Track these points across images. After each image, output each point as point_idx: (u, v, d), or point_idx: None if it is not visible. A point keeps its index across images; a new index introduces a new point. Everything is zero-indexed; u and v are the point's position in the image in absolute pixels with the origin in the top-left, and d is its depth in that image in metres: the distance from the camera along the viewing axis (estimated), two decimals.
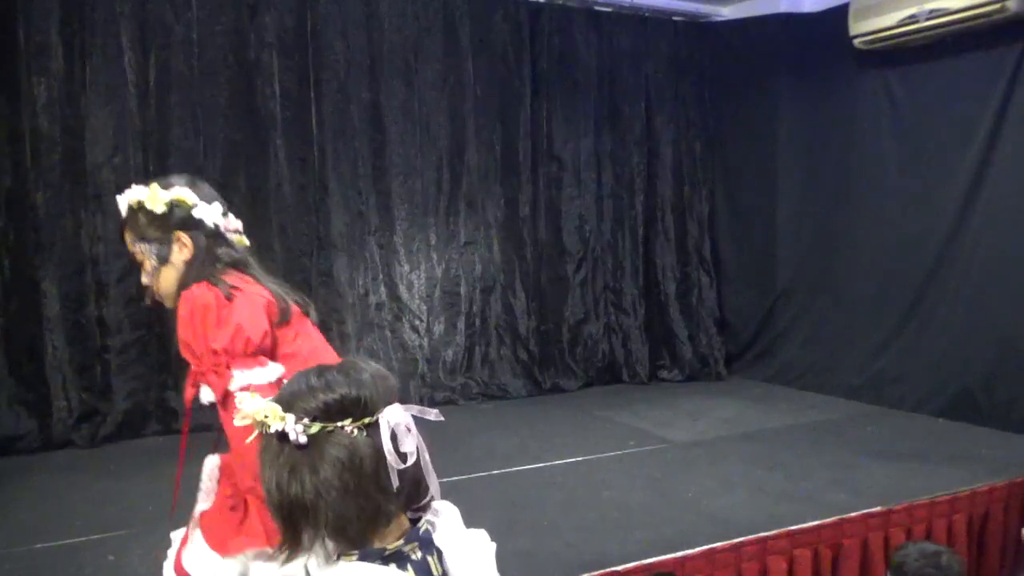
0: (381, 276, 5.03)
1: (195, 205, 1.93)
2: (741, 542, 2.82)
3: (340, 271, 4.94)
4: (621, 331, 5.76)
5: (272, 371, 1.82)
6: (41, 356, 4.17)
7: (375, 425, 1.15)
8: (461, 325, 5.27)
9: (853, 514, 3.05)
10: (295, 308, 1.98)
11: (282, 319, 1.91)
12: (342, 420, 1.15)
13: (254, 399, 1.21)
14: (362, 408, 1.16)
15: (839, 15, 5.01)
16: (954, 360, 4.60)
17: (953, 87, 4.66)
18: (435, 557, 1.25)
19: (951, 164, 4.66)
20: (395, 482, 1.15)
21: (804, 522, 2.98)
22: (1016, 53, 4.35)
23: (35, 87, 4.13)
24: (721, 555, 2.77)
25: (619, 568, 2.63)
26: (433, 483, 1.24)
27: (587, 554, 2.74)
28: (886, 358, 5.00)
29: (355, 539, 1.17)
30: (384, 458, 1.15)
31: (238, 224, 1.99)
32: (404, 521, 1.23)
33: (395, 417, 1.16)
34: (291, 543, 1.17)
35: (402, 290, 5.09)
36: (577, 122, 5.60)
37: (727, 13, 5.96)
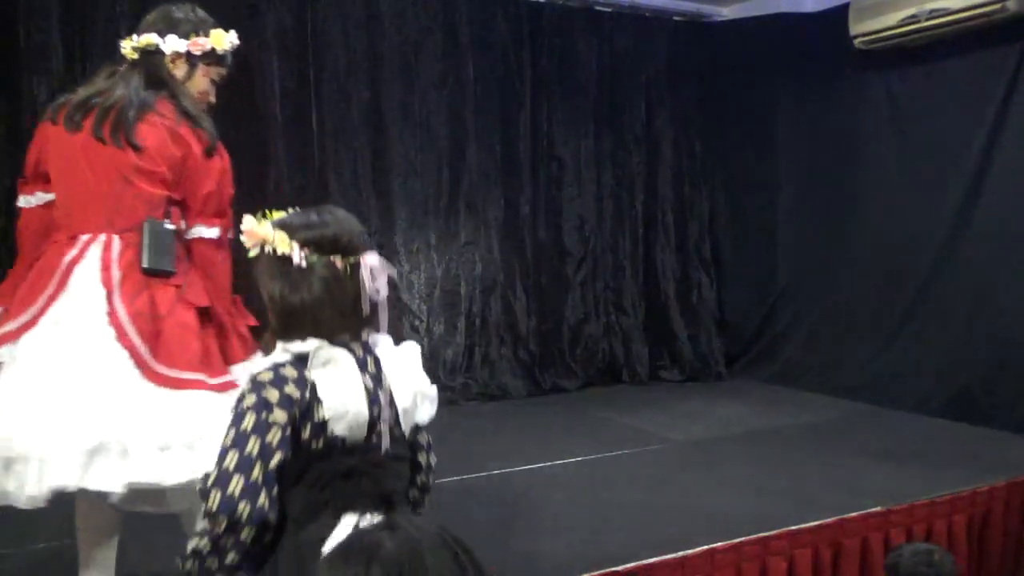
0: None
1: None
2: (741, 542, 2.82)
3: None
4: (621, 331, 5.76)
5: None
6: None
7: (357, 264, 1.61)
8: (461, 325, 5.27)
9: (853, 514, 3.05)
10: None
11: None
12: (333, 255, 1.61)
13: (262, 224, 1.66)
14: (349, 248, 1.62)
15: (839, 15, 5.01)
16: (954, 360, 4.60)
17: (953, 87, 4.66)
18: (373, 357, 1.70)
19: (951, 164, 4.66)
20: (366, 309, 1.63)
21: (804, 522, 2.98)
22: (1016, 53, 4.35)
23: (35, 87, 4.13)
24: (721, 555, 2.77)
25: (619, 568, 2.63)
26: (384, 318, 1.67)
27: (587, 554, 2.74)
28: (886, 358, 5.00)
29: (328, 337, 1.63)
30: (360, 288, 1.61)
31: None
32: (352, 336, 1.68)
33: (372, 261, 1.63)
34: (283, 338, 1.64)
35: (402, 290, 5.09)
36: (577, 122, 5.60)
37: (727, 13, 5.96)
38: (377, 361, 1.70)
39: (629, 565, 2.64)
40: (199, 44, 2.49)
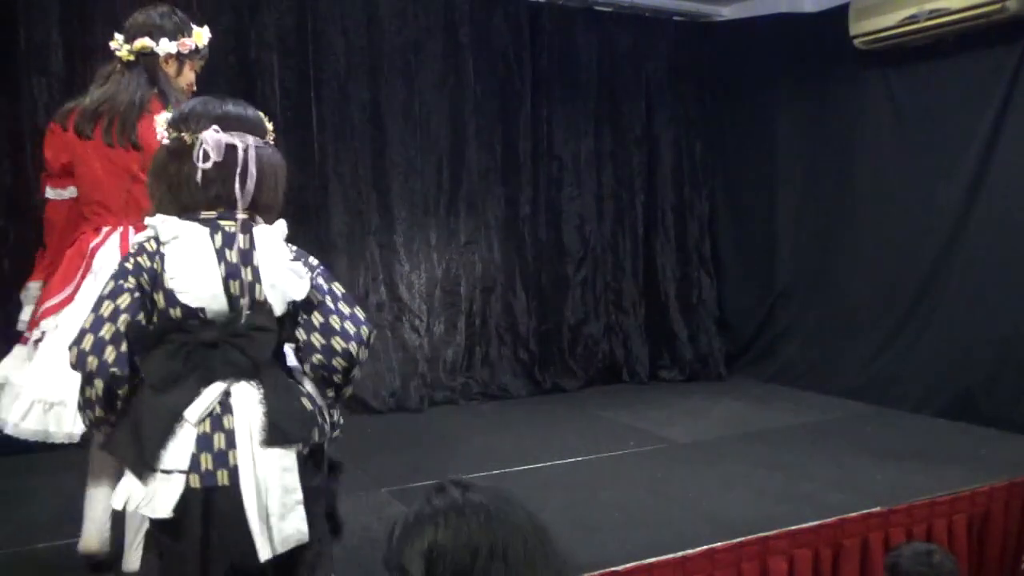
0: (381, 276, 5.03)
1: None
2: (741, 542, 2.82)
3: (340, 271, 4.93)
4: (621, 331, 5.76)
5: None
6: None
7: (196, 142, 1.81)
8: (461, 325, 5.27)
9: (853, 514, 3.05)
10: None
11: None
12: (183, 131, 1.83)
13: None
14: (196, 126, 1.82)
15: (839, 15, 5.01)
16: (954, 360, 4.60)
17: (953, 87, 4.66)
18: (246, 235, 1.83)
19: (951, 164, 4.66)
20: (198, 179, 1.81)
21: (804, 522, 2.98)
22: (1016, 53, 4.35)
23: (35, 87, 4.12)
24: (721, 555, 2.77)
25: (619, 568, 2.63)
26: (242, 194, 1.84)
27: (587, 554, 2.74)
28: (886, 358, 5.00)
29: (185, 209, 1.82)
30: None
31: None
32: (226, 211, 1.84)
33: (210, 136, 1.81)
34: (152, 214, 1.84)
35: (402, 290, 5.09)
36: (577, 122, 5.60)
37: (727, 13, 5.96)
38: (251, 239, 1.84)
39: (629, 565, 2.64)
40: (186, 44, 2.74)
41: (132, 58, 2.68)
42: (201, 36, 2.78)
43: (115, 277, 1.81)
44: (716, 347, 5.88)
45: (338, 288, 1.96)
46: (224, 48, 4.55)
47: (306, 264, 1.90)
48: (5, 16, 4.05)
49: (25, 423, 2.54)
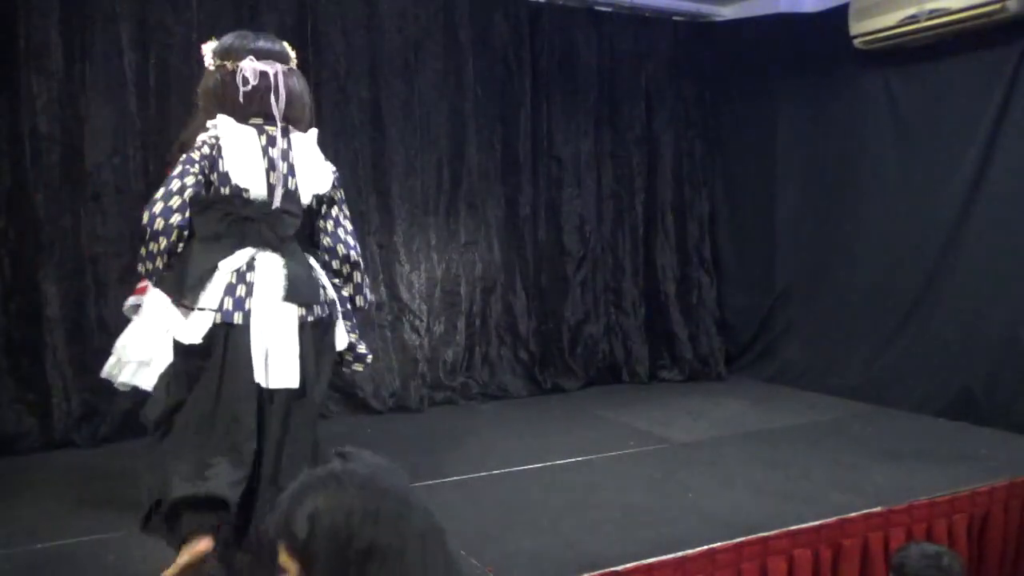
0: (381, 276, 5.03)
1: None
2: (741, 542, 2.83)
3: None
4: (621, 331, 5.76)
5: None
6: (41, 356, 4.16)
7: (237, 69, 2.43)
8: (461, 325, 5.27)
9: (853, 514, 3.06)
10: None
11: None
12: (225, 60, 2.43)
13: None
14: (237, 55, 2.44)
15: (839, 15, 5.01)
16: (954, 360, 4.60)
17: (953, 87, 4.66)
18: (287, 139, 2.46)
19: (951, 164, 4.66)
20: (241, 99, 2.43)
21: (804, 522, 2.98)
22: (1016, 53, 4.35)
23: (35, 87, 4.12)
24: (721, 555, 2.77)
25: (619, 568, 2.63)
26: (278, 108, 2.45)
27: (587, 554, 2.74)
28: (886, 358, 5.00)
29: (231, 113, 2.43)
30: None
31: None
32: (266, 121, 2.45)
33: (248, 65, 2.41)
34: (209, 117, 2.46)
35: (402, 290, 5.08)
36: (577, 122, 5.60)
37: (727, 13, 5.96)
38: (289, 141, 2.45)
39: (629, 565, 2.64)
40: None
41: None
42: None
43: (184, 163, 2.37)
44: (716, 347, 5.88)
45: (346, 208, 2.63)
46: None
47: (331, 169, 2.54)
48: (5, 16, 4.05)
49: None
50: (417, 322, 5.11)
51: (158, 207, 2.33)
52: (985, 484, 3.36)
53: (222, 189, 2.38)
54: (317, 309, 2.42)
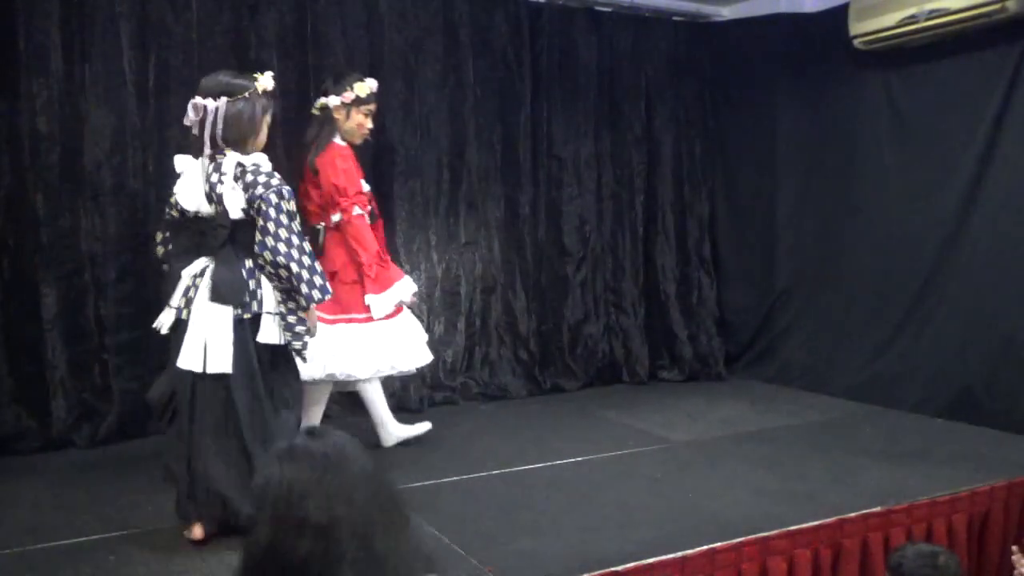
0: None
1: None
2: (741, 542, 2.83)
3: None
4: (621, 331, 5.76)
5: None
6: (41, 356, 4.16)
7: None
8: (461, 325, 5.27)
9: (853, 514, 3.06)
10: None
11: None
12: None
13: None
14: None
15: (839, 15, 5.01)
16: (954, 360, 4.60)
17: (953, 87, 4.66)
18: (215, 163, 2.94)
19: (951, 164, 4.66)
20: (193, 130, 3.00)
21: (804, 522, 2.98)
22: (1016, 53, 4.35)
23: (35, 87, 4.12)
24: (721, 555, 2.77)
25: (619, 568, 2.63)
26: (208, 138, 2.98)
27: (587, 554, 2.74)
28: (886, 358, 5.00)
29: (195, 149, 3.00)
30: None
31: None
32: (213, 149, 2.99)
33: (189, 103, 2.95)
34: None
35: None
36: (577, 122, 5.60)
37: (727, 13, 5.96)
38: (218, 166, 2.90)
39: (629, 565, 2.64)
40: (347, 97, 3.82)
41: (317, 112, 3.89)
42: (363, 88, 3.84)
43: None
44: (716, 347, 5.88)
45: (284, 211, 2.84)
46: (224, 48, 4.55)
47: (255, 184, 2.83)
48: (5, 16, 4.05)
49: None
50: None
51: (158, 237, 3.29)
52: (985, 484, 3.36)
53: (185, 213, 2.99)
54: (250, 308, 2.87)
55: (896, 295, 4.98)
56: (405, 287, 3.87)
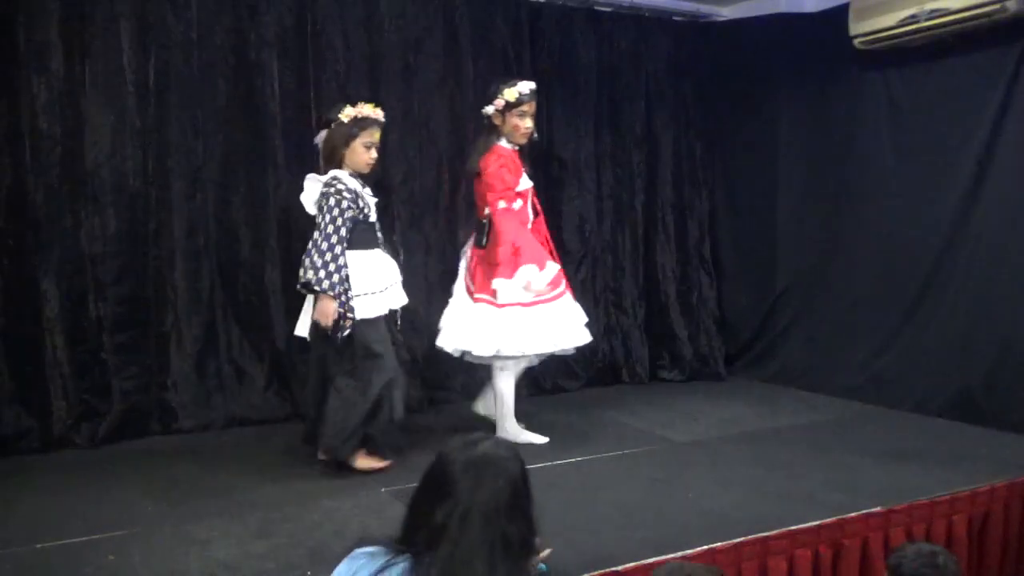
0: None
1: None
2: (741, 542, 2.82)
3: None
4: (621, 331, 5.76)
5: None
6: (41, 356, 4.16)
7: None
8: None
9: (853, 514, 3.06)
10: None
11: None
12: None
13: None
14: None
15: (839, 15, 5.01)
16: (954, 360, 4.60)
17: (953, 87, 4.66)
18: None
19: (951, 164, 4.66)
20: None
21: (804, 522, 2.98)
22: (1016, 53, 4.35)
23: (35, 87, 4.12)
24: (721, 555, 2.77)
25: (619, 568, 2.63)
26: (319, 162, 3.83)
27: (587, 554, 2.74)
28: (886, 358, 5.00)
29: None
30: None
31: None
32: None
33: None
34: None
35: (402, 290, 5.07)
36: (577, 122, 5.59)
37: (727, 13, 5.96)
38: (319, 181, 3.68)
39: (629, 565, 2.64)
40: (499, 103, 4.04)
41: (486, 121, 4.14)
42: (512, 93, 4.01)
43: None
44: (716, 347, 5.88)
45: (323, 228, 3.56)
46: (224, 48, 4.56)
47: (322, 199, 3.61)
48: (5, 16, 4.05)
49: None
50: (417, 322, 5.10)
51: None
52: (985, 484, 3.36)
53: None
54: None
55: (896, 295, 4.97)
56: (529, 274, 3.95)
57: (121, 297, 4.35)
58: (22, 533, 3.02)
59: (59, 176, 4.20)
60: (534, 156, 5.44)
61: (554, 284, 4.05)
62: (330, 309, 3.53)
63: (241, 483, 3.61)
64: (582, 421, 4.70)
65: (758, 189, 5.86)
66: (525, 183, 4.14)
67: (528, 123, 4.07)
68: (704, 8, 5.92)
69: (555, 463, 3.86)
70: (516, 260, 3.98)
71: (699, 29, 5.96)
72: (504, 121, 4.06)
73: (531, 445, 4.07)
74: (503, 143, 4.09)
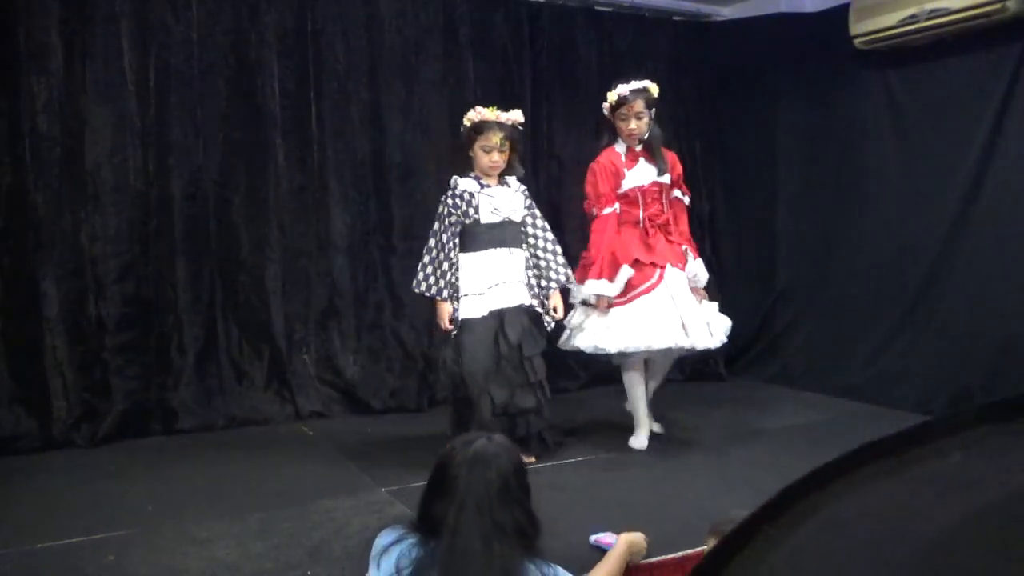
0: (381, 276, 5.03)
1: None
2: None
3: (340, 271, 4.93)
4: None
5: None
6: (41, 356, 4.16)
7: None
8: None
9: None
10: None
11: None
12: None
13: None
14: None
15: (839, 15, 5.01)
16: (954, 360, 4.60)
17: (953, 87, 4.66)
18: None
19: (951, 164, 4.66)
20: None
21: None
22: (1016, 53, 4.35)
23: (35, 87, 4.12)
24: None
25: None
26: None
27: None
28: (886, 358, 5.00)
29: None
30: None
31: None
32: None
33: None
34: None
35: (402, 290, 5.08)
36: (577, 122, 5.59)
37: (727, 13, 5.96)
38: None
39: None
40: (605, 106, 4.13)
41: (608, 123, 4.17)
42: (612, 94, 4.06)
43: None
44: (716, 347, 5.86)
45: (437, 215, 3.85)
46: (224, 48, 4.56)
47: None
48: (5, 16, 4.05)
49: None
50: (417, 322, 5.11)
51: None
52: None
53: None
54: None
55: (896, 295, 4.98)
56: (598, 288, 4.01)
57: (121, 297, 4.35)
58: (22, 533, 3.02)
59: (59, 176, 4.20)
60: (534, 156, 5.47)
61: (629, 289, 4.01)
62: (441, 312, 3.76)
63: (241, 483, 3.62)
64: (582, 421, 4.70)
65: (758, 189, 5.86)
66: (633, 181, 4.09)
67: (632, 124, 4.05)
68: (704, 8, 5.92)
69: (555, 463, 3.86)
70: (588, 270, 4.06)
71: (699, 29, 5.96)
72: (615, 123, 4.11)
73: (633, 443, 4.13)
74: (617, 145, 4.13)
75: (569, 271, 3.97)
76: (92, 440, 4.20)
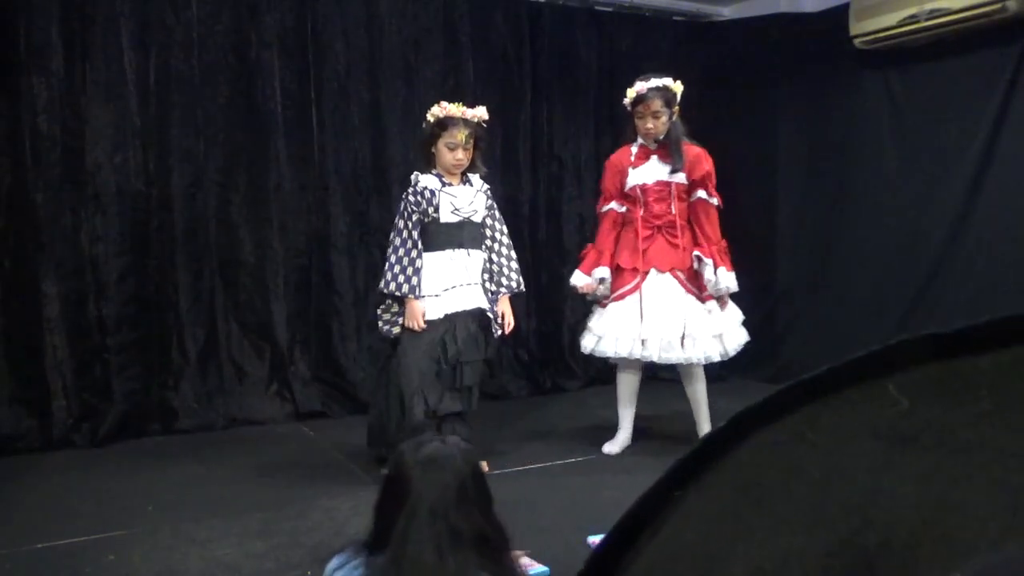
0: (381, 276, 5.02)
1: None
2: None
3: (340, 271, 4.93)
4: None
5: None
6: (41, 356, 4.17)
7: None
8: None
9: None
10: None
11: None
12: None
13: None
14: None
15: (839, 15, 5.01)
16: None
17: (953, 87, 4.66)
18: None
19: (951, 164, 4.66)
20: None
21: None
22: (1016, 53, 4.35)
23: (35, 87, 4.13)
24: None
25: None
26: None
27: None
28: None
29: None
30: None
31: None
32: None
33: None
34: None
35: None
36: (577, 122, 5.60)
37: (727, 13, 5.96)
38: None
39: None
40: (626, 103, 4.09)
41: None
42: (631, 91, 4.05)
43: None
44: None
45: (400, 213, 3.78)
46: (224, 48, 4.56)
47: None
48: (5, 16, 4.06)
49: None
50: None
51: None
52: None
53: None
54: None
55: (896, 295, 4.97)
56: (577, 280, 4.06)
57: (121, 297, 4.35)
58: (22, 533, 3.02)
59: (59, 176, 4.20)
60: (534, 156, 5.47)
61: (612, 292, 4.00)
62: (413, 310, 3.57)
63: (241, 483, 3.62)
64: (582, 421, 4.70)
65: (758, 189, 5.85)
66: (635, 180, 4.01)
67: (648, 124, 3.99)
68: (704, 8, 5.92)
69: (555, 463, 3.87)
70: (588, 263, 4.06)
71: (699, 29, 5.96)
72: (634, 120, 4.06)
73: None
74: (637, 142, 4.09)
75: (520, 279, 3.84)
76: (92, 440, 4.20)
